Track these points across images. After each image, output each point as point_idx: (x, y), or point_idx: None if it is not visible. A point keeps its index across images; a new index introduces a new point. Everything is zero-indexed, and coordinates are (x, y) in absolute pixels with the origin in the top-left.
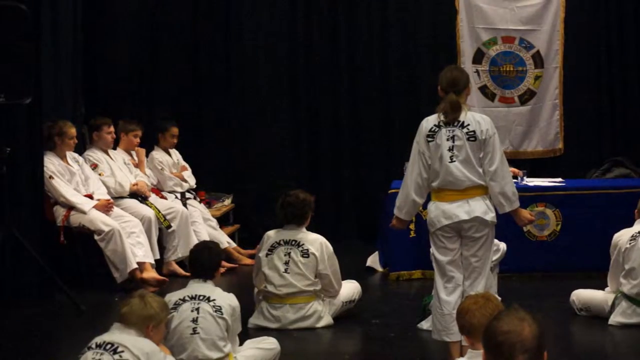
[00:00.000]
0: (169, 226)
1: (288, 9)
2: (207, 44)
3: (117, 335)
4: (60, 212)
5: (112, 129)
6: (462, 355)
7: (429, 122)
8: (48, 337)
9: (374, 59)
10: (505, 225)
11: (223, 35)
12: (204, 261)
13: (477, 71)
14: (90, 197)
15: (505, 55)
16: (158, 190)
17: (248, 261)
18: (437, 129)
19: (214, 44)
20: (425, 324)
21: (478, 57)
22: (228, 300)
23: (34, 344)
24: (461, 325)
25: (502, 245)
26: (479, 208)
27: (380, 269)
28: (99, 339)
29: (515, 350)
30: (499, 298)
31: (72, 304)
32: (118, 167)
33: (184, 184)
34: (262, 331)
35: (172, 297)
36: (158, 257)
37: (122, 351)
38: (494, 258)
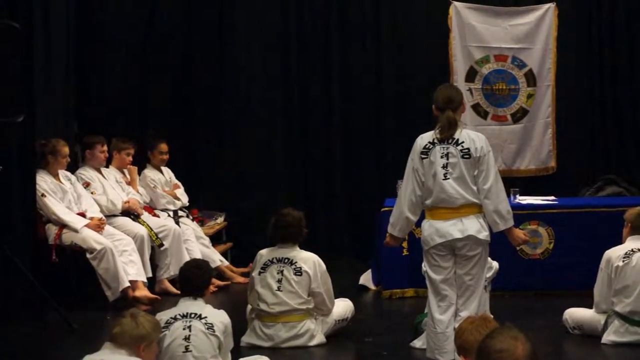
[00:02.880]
0: (161, 244)
1: (281, 28)
2: (199, 63)
3: (107, 354)
4: (52, 230)
5: (105, 147)
6: None
7: (424, 139)
8: (40, 356)
9: (367, 76)
10: (498, 243)
11: (215, 54)
12: (194, 279)
13: (469, 89)
14: (83, 215)
15: (498, 74)
16: (150, 208)
17: (240, 279)
18: (431, 146)
19: (206, 63)
20: (417, 343)
21: (471, 76)
22: (220, 317)
23: None
24: (458, 345)
25: (495, 264)
26: (473, 226)
27: (373, 287)
28: (88, 359)
29: None
30: (491, 316)
31: (64, 322)
32: (110, 185)
33: (176, 202)
34: (254, 350)
35: (163, 316)
36: (150, 275)
37: None
38: (487, 276)
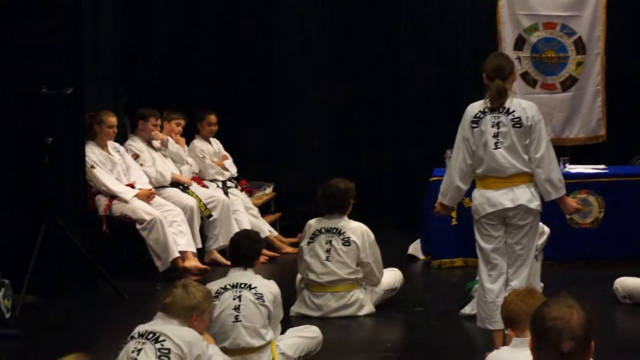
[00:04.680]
0: (210, 215)
1: None
2: (247, 32)
3: (159, 324)
4: (102, 201)
5: (158, 122)
6: (505, 343)
7: (474, 108)
8: (92, 326)
9: (414, 46)
10: (548, 213)
11: (263, 24)
12: (244, 249)
13: (518, 58)
14: (132, 186)
15: (547, 42)
16: (199, 179)
17: (289, 249)
18: (482, 115)
19: (253, 32)
20: (467, 309)
21: (519, 44)
22: (269, 288)
23: (77, 332)
24: (505, 317)
25: (547, 229)
26: (524, 196)
27: (422, 257)
28: (141, 328)
29: (562, 337)
30: (542, 284)
31: (115, 292)
32: (159, 156)
33: (225, 172)
34: (304, 319)
35: (214, 286)
36: (200, 246)
37: (164, 340)
38: (539, 242)
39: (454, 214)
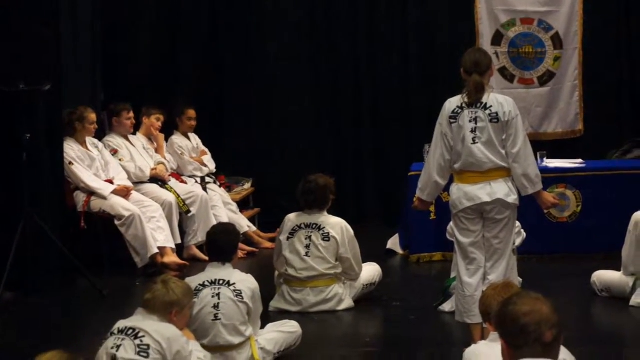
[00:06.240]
0: (188, 211)
1: None
2: (228, 28)
3: (139, 320)
4: (80, 197)
5: (131, 114)
6: (483, 337)
7: (452, 103)
8: (70, 323)
9: (394, 41)
10: (526, 207)
11: (244, 19)
12: (221, 244)
13: (496, 53)
14: (111, 182)
15: (524, 37)
16: (178, 175)
17: (268, 245)
18: (459, 110)
19: (234, 28)
20: (446, 307)
21: (497, 39)
22: (247, 283)
23: (56, 329)
24: (483, 311)
25: (524, 233)
26: (501, 190)
27: (400, 251)
28: (121, 324)
29: (542, 328)
30: (520, 280)
31: (94, 289)
32: (138, 152)
33: (203, 168)
34: (283, 314)
35: (192, 283)
36: (179, 241)
37: (143, 336)
38: (516, 242)
39: (432, 209)
